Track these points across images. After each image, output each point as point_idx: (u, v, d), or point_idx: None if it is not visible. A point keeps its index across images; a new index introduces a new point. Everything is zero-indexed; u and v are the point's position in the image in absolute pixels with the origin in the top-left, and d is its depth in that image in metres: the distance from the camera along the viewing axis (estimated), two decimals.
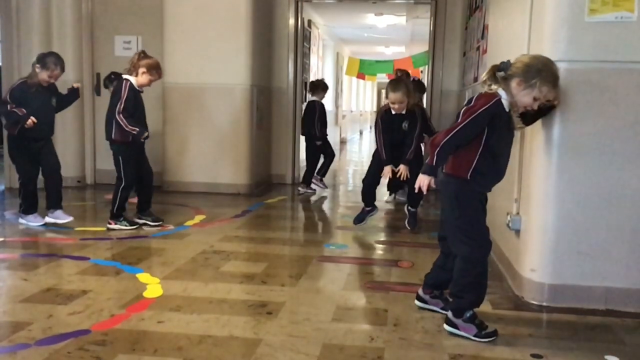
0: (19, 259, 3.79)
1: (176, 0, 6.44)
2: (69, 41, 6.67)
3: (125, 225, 4.62)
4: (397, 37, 13.48)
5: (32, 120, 4.37)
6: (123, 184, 4.59)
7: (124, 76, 4.54)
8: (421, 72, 14.52)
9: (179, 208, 5.44)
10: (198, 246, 4.24)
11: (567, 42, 2.88)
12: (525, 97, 2.55)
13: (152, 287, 3.23)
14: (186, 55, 6.34)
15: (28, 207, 4.68)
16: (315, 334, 2.62)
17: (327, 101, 13.46)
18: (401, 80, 4.55)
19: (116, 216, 4.63)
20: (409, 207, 4.76)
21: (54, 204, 4.66)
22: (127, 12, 6.90)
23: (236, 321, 2.75)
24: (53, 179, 4.67)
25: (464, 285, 2.62)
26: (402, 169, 4.50)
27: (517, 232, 3.30)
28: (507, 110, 2.57)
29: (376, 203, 4.88)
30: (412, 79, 6.86)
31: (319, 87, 7.16)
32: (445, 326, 2.66)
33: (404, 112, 4.52)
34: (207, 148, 6.48)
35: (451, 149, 2.56)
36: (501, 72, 2.57)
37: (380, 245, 4.38)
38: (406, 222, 4.73)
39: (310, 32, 9.90)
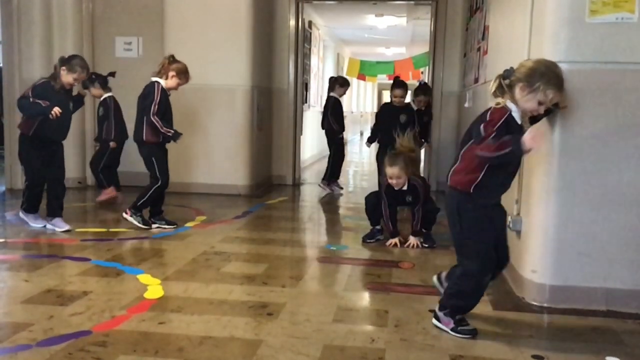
0: (20, 260, 3.79)
1: (177, 1, 6.45)
2: (70, 42, 6.67)
3: (139, 222, 4.66)
4: (398, 38, 13.48)
5: (57, 110, 4.27)
6: (159, 184, 4.69)
7: (153, 79, 4.63)
8: (422, 73, 14.53)
9: (180, 209, 5.44)
10: (199, 247, 4.24)
11: (568, 43, 2.88)
12: (530, 102, 2.51)
13: (153, 288, 3.23)
14: (187, 57, 6.26)
15: (30, 207, 4.67)
16: (316, 335, 2.62)
17: None
18: (399, 154, 4.26)
19: (137, 209, 4.67)
20: (423, 230, 4.42)
21: (54, 212, 4.58)
22: (127, 13, 6.92)
23: (237, 322, 2.75)
24: (55, 189, 4.60)
25: (456, 291, 2.68)
26: (413, 240, 4.29)
27: (518, 233, 3.29)
28: (519, 122, 2.54)
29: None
30: (419, 82, 6.87)
31: (336, 82, 7.20)
32: (433, 319, 2.74)
33: (405, 187, 4.24)
34: (207, 149, 6.48)
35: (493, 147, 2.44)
36: (506, 80, 2.53)
37: (381, 247, 4.37)
38: (423, 242, 4.33)
39: (310, 33, 9.91)
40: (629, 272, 2.95)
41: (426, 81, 7.41)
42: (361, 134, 20.65)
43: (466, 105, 6.34)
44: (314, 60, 10.64)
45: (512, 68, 2.57)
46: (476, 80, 5.56)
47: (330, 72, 13.80)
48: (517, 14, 3.62)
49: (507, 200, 3.52)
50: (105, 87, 5.72)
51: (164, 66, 4.64)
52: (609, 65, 2.87)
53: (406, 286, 3.39)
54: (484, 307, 3.04)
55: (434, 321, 2.74)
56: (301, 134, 7.96)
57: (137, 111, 4.71)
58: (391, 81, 6.81)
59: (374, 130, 6.46)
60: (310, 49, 9.83)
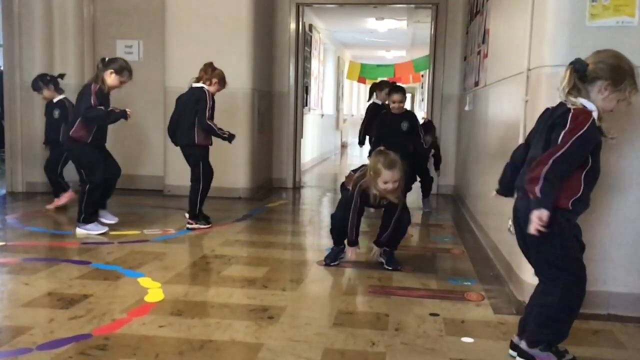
0: (21, 263, 3.79)
1: (177, 4, 6.46)
2: (71, 45, 6.69)
3: (203, 224, 4.88)
4: (398, 41, 13.49)
5: (129, 111, 4.53)
6: (202, 188, 4.86)
7: (196, 85, 4.81)
8: (422, 76, 14.54)
9: (180, 212, 5.43)
10: (199, 250, 4.24)
11: (568, 47, 2.88)
12: (611, 101, 2.28)
13: (154, 291, 3.23)
14: (187, 60, 6.34)
15: (90, 215, 4.58)
16: (316, 339, 2.62)
17: (328, 105, 13.55)
18: (395, 155, 3.63)
19: (195, 217, 4.88)
20: (386, 248, 3.89)
21: (103, 204, 4.79)
22: (128, 16, 6.93)
23: (237, 326, 2.75)
24: (112, 185, 4.85)
25: (556, 320, 2.36)
26: (375, 250, 3.88)
27: None
28: (597, 123, 2.28)
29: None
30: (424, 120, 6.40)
31: (376, 88, 6.70)
32: (518, 359, 2.42)
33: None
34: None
35: (557, 180, 2.18)
36: (578, 74, 2.27)
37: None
38: (385, 264, 3.83)
39: (311, 37, 9.92)
40: (629, 275, 2.94)
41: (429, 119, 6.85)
42: None
43: (466, 108, 6.34)
44: (315, 64, 10.65)
45: (580, 60, 2.31)
46: (476, 84, 5.57)
47: (331, 76, 13.83)
48: (517, 18, 3.63)
49: (508, 203, 3.53)
50: (58, 88, 5.63)
51: (206, 72, 4.81)
52: None
53: (407, 289, 3.38)
54: (484, 311, 3.04)
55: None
56: (302, 137, 7.97)
57: (182, 116, 4.83)
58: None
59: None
60: (310, 52, 9.84)
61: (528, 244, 2.42)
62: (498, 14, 4.56)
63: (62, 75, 5.66)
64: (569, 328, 2.39)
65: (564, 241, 2.32)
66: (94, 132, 4.53)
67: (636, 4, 2.82)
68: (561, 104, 2.34)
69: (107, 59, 4.60)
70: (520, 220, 2.39)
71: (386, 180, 3.54)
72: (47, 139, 5.71)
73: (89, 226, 4.57)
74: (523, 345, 2.40)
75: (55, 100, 5.60)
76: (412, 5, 8.37)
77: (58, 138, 5.50)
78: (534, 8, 3.20)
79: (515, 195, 2.48)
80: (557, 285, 2.34)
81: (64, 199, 5.61)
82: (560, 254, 2.32)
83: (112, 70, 4.49)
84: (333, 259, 3.91)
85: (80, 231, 4.56)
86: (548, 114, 2.39)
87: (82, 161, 4.59)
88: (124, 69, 4.54)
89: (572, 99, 2.28)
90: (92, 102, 4.41)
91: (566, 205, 2.28)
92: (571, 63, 2.32)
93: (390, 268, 3.78)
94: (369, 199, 3.71)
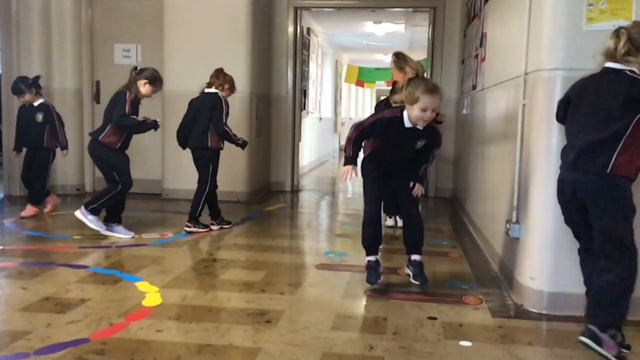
0: (18, 268, 3.78)
1: (176, 8, 6.47)
2: (69, 49, 6.70)
3: (202, 228, 4.88)
4: (396, 44, 13.46)
5: (159, 122, 4.71)
6: (207, 190, 4.88)
7: (210, 90, 4.91)
8: None
9: (178, 216, 5.44)
10: (197, 254, 4.23)
11: (565, 51, 2.90)
12: None
13: (151, 295, 3.22)
14: (186, 63, 6.36)
15: (99, 210, 4.61)
16: (314, 343, 2.61)
17: (326, 108, 13.56)
18: (436, 85, 3.31)
19: (195, 219, 4.88)
20: (413, 257, 3.49)
21: (119, 219, 4.70)
22: (127, 20, 6.94)
23: (235, 330, 2.75)
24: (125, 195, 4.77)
25: (620, 295, 2.36)
26: (417, 188, 3.46)
27: (516, 239, 3.29)
28: None
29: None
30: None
31: (395, 92, 6.77)
32: (584, 339, 2.46)
33: (420, 126, 3.29)
34: None
35: None
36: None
37: (380, 253, 4.35)
38: (412, 278, 3.46)
39: (309, 40, 9.94)
40: None
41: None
42: None
43: (464, 111, 6.35)
44: (313, 67, 10.67)
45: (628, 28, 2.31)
46: (474, 87, 5.57)
47: (329, 79, 13.84)
48: (514, 21, 3.64)
49: (506, 206, 3.54)
50: (38, 92, 5.48)
51: (218, 78, 4.92)
52: None
53: (405, 293, 3.38)
54: (482, 315, 3.04)
55: (589, 342, 2.42)
56: (300, 140, 7.97)
57: (196, 120, 4.88)
58: (390, 87, 6.59)
59: None
60: (308, 56, 9.85)
61: (590, 218, 2.37)
62: (495, 17, 4.57)
63: (38, 77, 5.55)
64: (629, 303, 2.39)
65: (628, 213, 2.28)
66: (123, 139, 4.59)
67: (633, 7, 2.83)
68: (614, 73, 2.31)
69: (138, 68, 4.67)
70: (583, 194, 2.37)
71: (425, 107, 3.16)
72: (24, 143, 5.51)
73: (91, 217, 4.56)
74: (595, 329, 2.41)
75: (36, 104, 5.44)
76: (410, 9, 8.38)
77: (42, 142, 5.42)
78: (531, 12, 3.21)
79: (567, 170, 2.49)
80: (613, 262, 2.32)
81: (29, 211, 5.40)
82: (623, 226, 2.28)
83: (146, 81, 4.56)
84: (376, 275, 3.41)
85: (79, 215, 4.56)
86: (595, 81, 2.38)
87: (116, 165, 4.60)
88: (156, 80, 4.64)
89: (623, 59, 2.29)
90: (127, 110, 4.47)
91: (631, 172, 2.26)
92: (620, 30, 2.31)
93: (417, 282, 3.42)
94: (391, 131, 3.31)
